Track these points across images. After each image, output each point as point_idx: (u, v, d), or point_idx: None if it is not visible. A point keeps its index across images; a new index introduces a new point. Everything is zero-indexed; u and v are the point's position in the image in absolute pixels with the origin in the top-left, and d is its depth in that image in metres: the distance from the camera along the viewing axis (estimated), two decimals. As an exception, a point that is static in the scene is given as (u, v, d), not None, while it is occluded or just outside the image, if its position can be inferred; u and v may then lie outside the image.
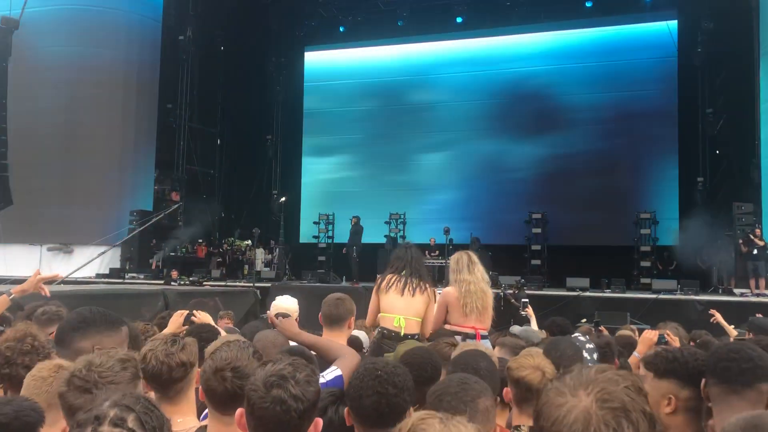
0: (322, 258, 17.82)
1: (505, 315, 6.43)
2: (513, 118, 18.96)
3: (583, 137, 18.28)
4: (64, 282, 11.57)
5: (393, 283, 4.35)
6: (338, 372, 2.77)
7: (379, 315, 4.39)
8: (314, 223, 18.66)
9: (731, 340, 4.90)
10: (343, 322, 3.56)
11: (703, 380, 2.11)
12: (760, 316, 7.21)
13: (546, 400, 1.17)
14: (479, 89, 19.39)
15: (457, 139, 19.42)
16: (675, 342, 3.75)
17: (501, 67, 19.27)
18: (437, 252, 15.55)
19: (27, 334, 2.67)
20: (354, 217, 16.30)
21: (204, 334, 3.05)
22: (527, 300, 6.08)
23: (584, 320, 7.78)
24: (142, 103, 17.89)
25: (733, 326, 6.27)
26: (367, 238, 16.10)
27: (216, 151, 20.61)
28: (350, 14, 20.16)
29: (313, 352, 2.98)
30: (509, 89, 19.09)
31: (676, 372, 2.17)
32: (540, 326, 5.52)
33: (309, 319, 4.40)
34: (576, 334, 3.68)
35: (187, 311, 3.76)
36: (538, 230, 16.60)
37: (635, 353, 3.91)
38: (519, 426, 2.54)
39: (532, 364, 2.59)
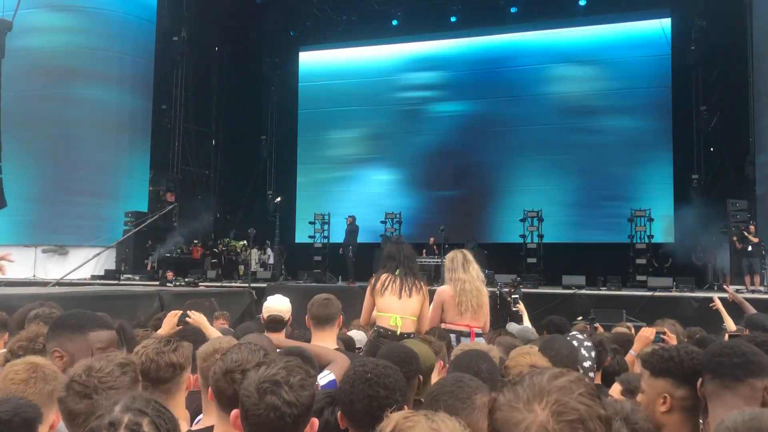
0: (317, 258, 17.81)
1: (501, 313, 6.43)
2: (507, 116, 18.96)
3: (578, 135, 18.30)
4: (59, 284, 11.54)
5: (388, 285, 4.35)
6: (332, 376, 2.76)
7: (376, 314, 4.40)
8: (309, 223, 18.64)
9: (728, 331, 4.92)
10: (333, 321, 3.58)
11: (700, 378, 2.11)
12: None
13: (501, 417, 1.14)
14: (473, 88, 19.40)
15: (451, 138, 19.42)
16: (672, 340, 3.75)
17: (495, 66, 19.28)
18: (437, 252, 15.54)
19: (39, 334, 2.72)
20: (349, 216, 16.29)
21: (190, 338, 3.02)
22: (518, 296, 6.07)
23: (580, 318, 7.81)
24: (136, 104, 17.85)
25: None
26: (362, 238, 16.10)
27: (211, 151, 20.58)
28: (345, 14, 20.15)
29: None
30: (503, 88, 19.11)
31: (671, 371, 2.17)
32: (537, 325, 5.53)
33: (303, 318, 4.38)
34: (573, 333, 3.68)
35: (181, 311, 3.76)
36: (534, 228, 16.61)
37: (631, 351, 3.92)
38: None
39: (529, 362, 2.59)
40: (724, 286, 6.48)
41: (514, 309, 6.06)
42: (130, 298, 8.39)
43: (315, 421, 1.80)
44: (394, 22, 19.70)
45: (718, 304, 6.00)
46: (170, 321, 3.75)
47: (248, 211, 20.33)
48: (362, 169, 20.37)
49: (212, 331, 3.71)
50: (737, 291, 12.10)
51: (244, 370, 2.00)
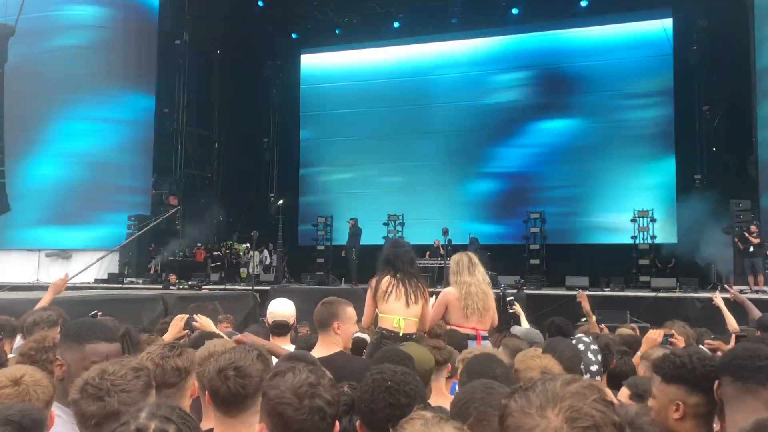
0: (320, 260, 17.81)
1: (506, 315, 6.41)
2: (510, 117, 18.96)
3: (580, 136, 18.30)
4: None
5: (392, 291, 4.33)
6: None
7: (379, 315, 4.41)
8: (312, 225, 18.65)
9: (731, 330, 4.89)
10: (327, 326, 3.55)
11: (717, 381, 2.07)
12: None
13: (513, 424, 1.12)
14: (475, 90, 19.39)
15: (454, 140, 19.42)
16: (680, 342, 3.73)
17: (497, 68, 19.29)
18: (442, 253, 15.52)
19: (47, 336, 2.79)
20: (352, 219, 16.29)
21: (200, 343, 3.03)
22: (513, 298, 6.05)
23: (584, 319, 7.77)
24: (138, 108, 17.87)
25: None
26: (365, 240, 16.09)
27: (213, 154, 20.59)
28: (346, 16, 20.17)
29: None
30: (505, 89, 19.11)
31: (684, 378, 2.13)
32: (539, 326, 5.53)
33: (308, 322, 4.38)
34: (579, 335, 3.66)
35: (188, 315, 3.76)
36: (537, 230, 16.59)
37: (638, 352, 3.90)
38: None
39: (540, 365, 2.58)
40: (727, 286, 6.38)
41: (510, 311, 6.05)
42: (134, 302, 8.40)
43: (337, 423, 1.82)
44: (396, 24, 19.71)
45: (719, 303, 5.86)
46: (177, 325, 3.76)
47: (251, 213, 20.34)
48: (365, 171, 20.37)
49: (221, 335, 3.71)
50: (741, 291, 12.07)
51: (236, 367, 2.04)
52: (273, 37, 21.00)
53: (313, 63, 21.57)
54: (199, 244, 18.11)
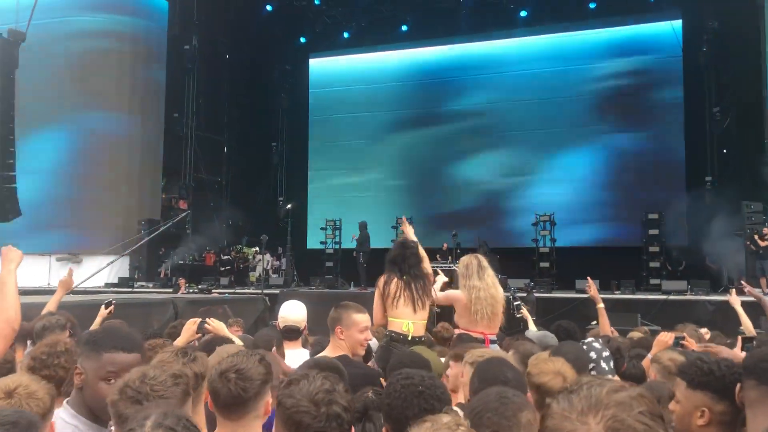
0: (329, 264, 17.81)
1: (516, 319, 6.38)
2: (519, 120, 18.93)
3: (589, 138, 18.25)
4: (73, 292, 11.59)
5: (399, 296, 4.36)
6: None
7: (388, 319, 4.43)
8: (321, 228, 18.66)
9: (747, 333, 4.84)
10: (332, 330, 3.60)
11: (738, 384, 2.05)
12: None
13: (552, 426, 1.08)
14: (484, 92, 19.39)
15: (462, 142, 19.39)
16: (692, 345, 3.70)
17: (506, 70, 19.27)
18: (450, 258, 15.49)
19: (59, 341, 2.76)
20: (360, 222, 16.29)
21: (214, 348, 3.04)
22: (520, 303, 6.01)
23: (594, 322, 7.72)
24: (148, 112, 17.97)
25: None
26: (374, 243, 16.07)
27: (223, 158, 20.66)
28: (354, 20, 20.21)
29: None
30: (514, 92, 19.08)
31: (711, 385, 2.12)
32: (548, 330, 5.50)
33: (318, 325, 4.39)
34: (589, 340, 3.63)
35: (200, 319, 3.77)
36: (546, 232, 16.53)
37: (648, 355, 3.88)
38: None
39: (553, 369, 2.55)
40: (743, 281, 6.25)
41: (518, 315, 6.02)
42: (144, 306, 8.42)
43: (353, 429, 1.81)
44: (404, 28, 19.72)
45: (736, 304, 5.49)
46: (189, 329, 3.77)
47: (260, 217, 20.38)
48: (374, 174, 20.38)
49: (233, 338, 3.72)
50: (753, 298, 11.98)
51: (238, 369, 2.06)
52: (281, 42, 21.06)
53: (322, 67, 21.63)
54: (208, 248, 18.16)
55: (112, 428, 1.93)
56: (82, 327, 4.36)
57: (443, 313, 7.92)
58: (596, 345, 3.40)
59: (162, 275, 16.89)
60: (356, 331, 3.55)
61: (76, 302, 7.67)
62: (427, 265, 4.70)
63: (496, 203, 18.82)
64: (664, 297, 12.18)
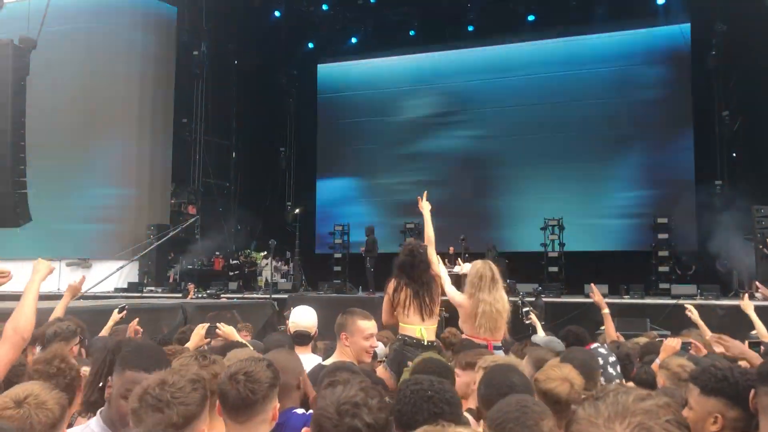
0: (337, 268, 17.84)
1: (525, 325, 6.38)
2: (526, 125, 18.90)
3: (598, 142, 18.21)
4: (83, 297, 11.66)
5: (409, 304, 4.39)
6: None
7: (400, 324, 4.48)
8: (329, 233, 18.67)
9: (757, 338, 4.82)
10: (337, 336, 3.63)
11: (752, 391, 2.04)
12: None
13: (578, 431, 1.09)
14: (492, 97, 19.37)
15: (471, 146, 19.38)
16: (701, 351, 3.69)
17: (513, 75, 19.25)
18: (457, 261, 15.45)
19: (56, 356, 2.74)
20: (367, 227, 16.29)
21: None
22: (529, 309, 6.01)
23: (603, 327, 7.70)
24: (157, 118, 18.07)
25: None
26: (383, 248, 16.09)
27: (231, 163, 20.73)
28: (362, 25, 20.25)
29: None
30: (522, 96, 19.05)
31: (724, 391, 2.12)
32: (557, 335, 5.50)
33: (326, 330, 4.40)
34: (595, 345, 3.63)
35: (209, 324, 3.80)
36: (555, 237, 16.49)
37: (657, 360, 3.87)
38: None
39: (560, 375, 2.56)
40: (757, 283, 6.17)
41: (526, 322, 6.02)
42: (153, 311, 8.45)
43: None
44: (411, 33, 19.75)
45: (749, 309, 5.38)
46: (198, 334, 3.80)
47: (268, 222, 20.44)
48: (382, 179, 20.38)
49: (244, 343, 3.75)
50: (765, 299, 11.91)
51: (246, 372, 2.11)
52: (289, 47, 21.13)
53: (330, 72, 21.67)
54: (217, 253, 18.22)
55: None
56: (91, 332, 4.40)
57: (451, 318, 7.92)
58: (602, 350, 3.41)
59: (171, 280, 16.95)
60: (361, 338, 3.55)
61: (85, 307, 7.72)
62: (436, 268, 4.72)
63: (504, 207, 18.79)
64: (673, 301, 12.11)
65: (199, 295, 14.46)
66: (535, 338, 4.87)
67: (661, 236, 15.60)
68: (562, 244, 16.34)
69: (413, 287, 4.44)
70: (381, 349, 4.95)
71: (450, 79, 19.96)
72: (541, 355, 3.41)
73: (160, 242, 15.91)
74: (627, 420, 1.04)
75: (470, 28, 19.28)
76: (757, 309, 5.66)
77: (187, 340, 3.93)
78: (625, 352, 3.88)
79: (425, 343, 4.28)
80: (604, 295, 12.80)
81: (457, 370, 3.24)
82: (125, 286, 15.97)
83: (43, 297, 3.85)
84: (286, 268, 18.56)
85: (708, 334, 5.25)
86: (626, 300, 12.85)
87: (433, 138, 19.79)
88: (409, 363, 3.33)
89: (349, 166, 20.90)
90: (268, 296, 13.64)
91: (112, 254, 15.93)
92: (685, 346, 3.74)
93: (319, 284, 16.35)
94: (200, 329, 3.81)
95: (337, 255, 17.92)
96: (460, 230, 15.80)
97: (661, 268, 15.19)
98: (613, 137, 18.06)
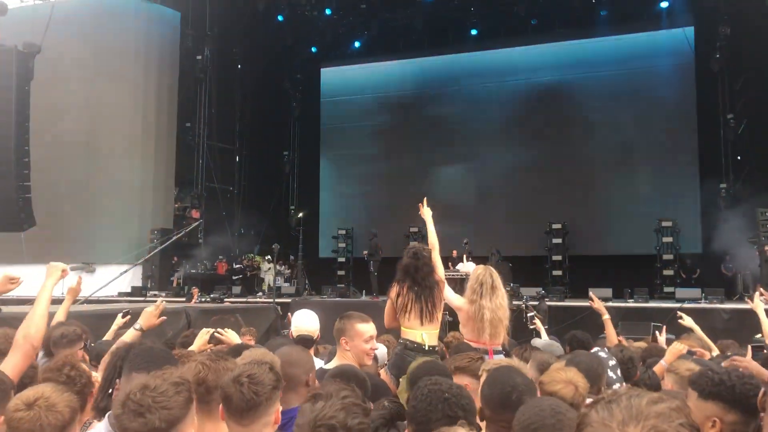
0: (341, 272, 17.83)
1: (527, 328, 6.38)
2: (530, 128, 18.90)
3: (602, 146, 18.19)
4: (88, 301, 11.68)
5: (411, 309, 4.39)
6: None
7: (402, 328, 4.48)
8: (333, 237, 18.68)
9: (763, 341, 4.80)
10: (337, 341, 3.64)
11: (762, 389, 2.04)
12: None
13: None
14: (496, 101, 19.37)
15: (475, 151, 19.38)
16: (705, 355, 3.69)
17: (517, 78, 19.24)
18: (462, 262, 15.43)
19: (65, 364, 2.75)
20: (370, 231, 16.30)
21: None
22: (533, 314, 6.02)
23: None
24: (161, 123, 18.11)
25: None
26: (386, 252, 16.10)
27: (234, 167, 20.76)
28: (365, 29, 20.28)
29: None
30: (526, 100, 19.06)
31: (722, 395, 2.14)
32: (561, 339, 5.51)
33: (330, 334, 4.40)
34: (596, 349, 3.63)
35: (213, 330, 3.82)
36: (559, 240, 16.47)
37: (662, 361, 3.88)
38: None
39: (565, 378, 2.56)
40: (760, 288, 6.12)
41: (531, 327, 6.03)
42: (157, 315, 8.43)
43: None
44: (414, 37, 19.77)
45: (758, 308, 5.23)
46: (202, 338, 3.82)
47: (272, 226, 20.46)
48: (385, 183, 20.39)
49: (247, 347, 3.75)
50: (768, 303, 11.84)
51: (249, 375, 2.13)
52: (293, 51, 21.18)
53: (333, 75, 21.70)
54: (220, 257, 18.24)
55: None
56: (95, 336, 4.40)
57: (455, 322, 7.92)
58: (602, 354, 3.41)
59: (174, 284, 16.97)
60: (361, 342, 3.57)
61: (89, 311, 7.72)
62: (440, 272, 4.72)
63: (509, 211, 18.75)
64: (678, 305, 12.08)
65: (203, 299, 14.47)
66: (535, 342, 4.87)
67: (665, 239, 15.57)
68: (566, 248, 16.32)
69: (416, 290, 4.43)
70: (381, 352, 4.95)
71: (453, 83, 19.97)
72: (544, 359, 3.41)
73: (163, 246, 15.93)
74: (641, 423, 1.05)
75: (473, 32, 19.30)
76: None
77: (190, 344, 3.94)
78: (629, 355, 3.87)
79: (426, 348, 4.27)
80: (608, 299, 12.89)
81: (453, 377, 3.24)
82: (129, 290, 16.00)
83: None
84: (288, 272, 18.56)
85: (705, 338, 5.26)
86: (630, 304, 12.81)
87: (436, 141, 19.78)
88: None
89: (353, 170, 20.91)
90: (271, 300, 13.64)
91: (115, 258, 15.94)
92: (692, 352, 3.74)
93: (322, 288, 16.36)
94: (204, 334, 3.83)
95: (341, 259, 17.93)
96: (463, 234, 15.78)
97: (666, 272, 15.16)
98: (617, 141, 18.03)
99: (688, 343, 4.20)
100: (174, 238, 15.99)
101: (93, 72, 17.38)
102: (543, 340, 5.44)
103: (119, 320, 4.96)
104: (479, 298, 4.67)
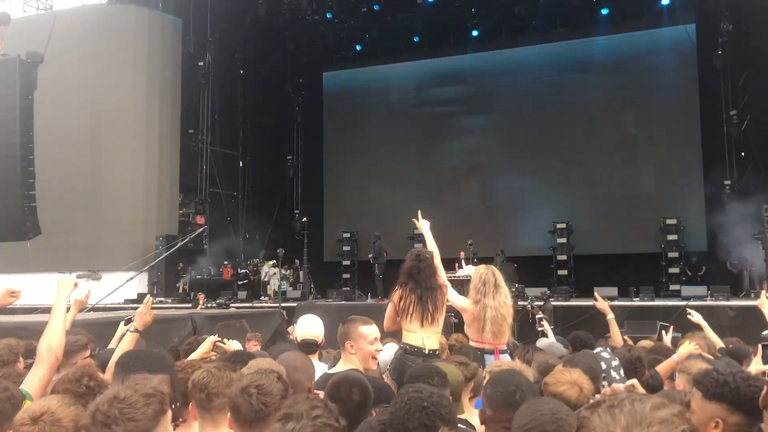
0: (346, 276, 17.83)
1: (533, 328, 6.38)
2: (534, 128, 18.89)
3: (606, 144, 18.17)
4: (94, 309, 11.71)
5: (412, 311, 4.37)
6: None
7: (403, 332, 4.45)
8: (338, 241, 18.67)
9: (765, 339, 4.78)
10: (342, 345, 3.66)
11: (765, 388, 2.04)
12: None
13: None
14: (499, 101, 19.38)
15: (478, 152, 19.38)
16: (715, 356, 3.69)
17: (519, 79, 19.23)
18: (461, 267, 15.43)
19: (84, 374, 2.75)
20: (374, 234, 16.30)
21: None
22: (541, 316, 6.03)
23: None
24: (164, 130, 18.15)
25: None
26: (391, 255, 16.08)
27: (238, 173, 20.79)
28: (366, 32, 20.30)
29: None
30: (528, 100, 19.05)
31: (726, 396, 2.13)
32: (567, 339, 5.50)
33: (336, 337, 4.40)
34: (598, 350, 3.62)
35: (217, 339, 3.85)
36: (563, 240, 16.44)
37: (674, 356, 3.89)
38: None
39: (569, 379, 2.55)
40: (766, 284, 6.11)
41: (539, 329, 6.02)
42: (163, 322, 8.43)
43: None
44: (416, 39, 19.79)
45: (764, 305, 5.06)
46: (206, 346, 3.85)
47: (277, 231, 20.48)
48: (388, 186, 20.39)
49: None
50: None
51: (258, 385, 2.14)
52: (295, 56, 21.23)
53: (335, 79, 21.74)
54: (226, 263, 18.26)
55: None
56: (100, 345, 4.41)
57: (461, 324, 7.91)
58: (605, 355, 3.40)
59: (180, 290, 16.99)
60: (366, 344, 3.59)
61: (95, 320, 7.73)
62: (442, 275, 4.71)
63: (513, 211, 18.73)
64: (684, 303, 12.02)
65: (209, 305, 14.48)
66: (539, 342, 4.87)
67: (670, 237, 15.53)
68: (571, 247, 16.28)
69: (418, 293, 4.41)
70: (387, 355, 4.94)
71: (455, 84, 19.97)
72: (545, 360, 3.41)
73: (168, 253, 15.96)
74: (645, 430, 1.05)
75: (474, 33, 19.30)
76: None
77: (194, 351, 3.95)
78: (637, 355, 3.86)
79: (426, 352, 4.24)
80: (614, 298, 12.85)
81: None
82: (135, 297, 16.01)
83: (48, 310, 3.86)
84: (293, 276, 18.53)
85: (713, 335, 5.24)
86: (636, 302, 12.76)
87: (439, 143, 19.79)
88: None
89: (357, 173, 20.92)
90: (277, 305, 13.63)
91: (121, 265, 15.97)
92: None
93: (327, 292, 16.36)
94: (207, 342, 3.85)
95: (346, 262, 17.92)
96: (468, 235, 15.75)
97: (671, 270, 15.13)
98: (620, 139, 18.01)
99: (692, 340, 4.19)
100: (179, 244, 16.02)
101: (96, 80, 17.43)
102: (547, 340, 5.44)
103: (122, 328, 4.97)
104: (483, 298, 4.67)
